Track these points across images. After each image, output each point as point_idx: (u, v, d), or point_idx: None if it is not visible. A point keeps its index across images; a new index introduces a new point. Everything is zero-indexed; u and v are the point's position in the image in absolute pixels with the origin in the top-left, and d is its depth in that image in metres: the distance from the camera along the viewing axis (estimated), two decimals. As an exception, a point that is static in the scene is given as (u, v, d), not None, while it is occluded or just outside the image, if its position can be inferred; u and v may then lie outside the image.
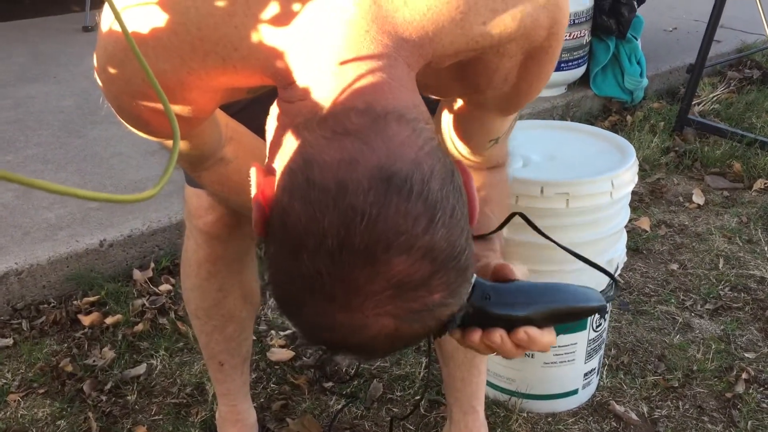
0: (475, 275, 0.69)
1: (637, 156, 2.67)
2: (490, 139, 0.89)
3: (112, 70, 0.67)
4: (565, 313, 0.74)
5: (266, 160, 0.65)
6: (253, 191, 0.59)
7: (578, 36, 2.85)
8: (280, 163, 0.60)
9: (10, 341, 1.79)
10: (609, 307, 1.50)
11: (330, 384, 1.64)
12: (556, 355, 1.49)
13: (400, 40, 0.63)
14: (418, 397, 1.56)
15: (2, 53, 3.45)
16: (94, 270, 1.97)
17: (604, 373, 1.67)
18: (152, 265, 2.03)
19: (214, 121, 0.85)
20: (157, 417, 1.57)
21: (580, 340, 1.49)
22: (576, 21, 2.81)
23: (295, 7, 0.62)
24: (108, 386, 1.64)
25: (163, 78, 0.64)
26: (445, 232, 0.56)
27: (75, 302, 1.91)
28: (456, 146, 0.91)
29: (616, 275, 1.46)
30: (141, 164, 2.32)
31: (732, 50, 3.60)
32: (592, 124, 3.00)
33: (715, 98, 3.15)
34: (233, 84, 0.68)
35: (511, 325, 0.70)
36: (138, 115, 0.72)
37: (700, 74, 2.83)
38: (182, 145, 0.90)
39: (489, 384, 1.58)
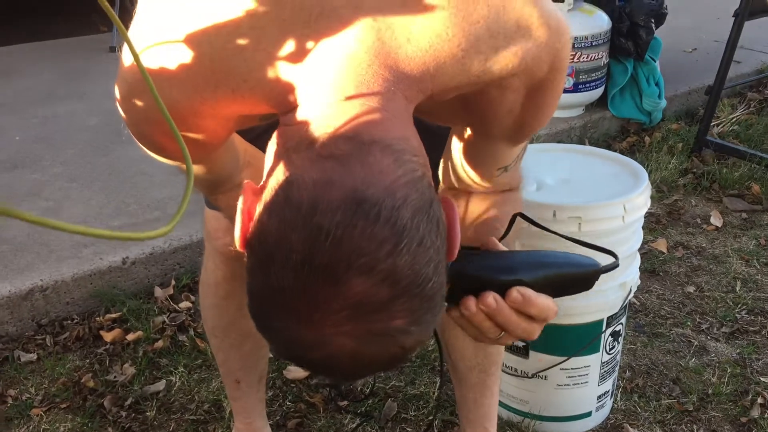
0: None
1: (654, 177, 2.69)
2: (498, 167, 0.90)
3: (132, 101, 0.70)
4: (557, 278, 0.73)
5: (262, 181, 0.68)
6: (240, 206, 0.62)
7: (596, 58, 2.87)
8: (268, 182, 0.64)
9: (34, 356, 1.83)
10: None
11: (345, 402, 1.66)
12: (569, 377, 1.50)
13: (401, 75, 0.66)
14: (432, 418, 1.58)
15: (32, 71, 3.54)
16: (116, 287, 2.02)
17: (619, 395, 1.67)
18: (173, 282, 2.07)
19: (231, 147, 0.89)
20: (175, 433, 1.60)
21: (593, 362, 1.50)
22: (594, 43, 2.83)
23: (302, 43, 0.65)
24: (128, 402, 1.68)
25: (177, 107, 0.68)
26: (410, 259, 0.57)
27: (98, 318, 1.95)
28: (466, 172, 0.93)
29: (629, 297, 1.47)
30: (165, 183, 2.37)
31: (752, 71, 3.59)
32: (609, 145, 3.01)
33: (734, 119, 3.15)
34: (244, 112, 0.71)
35: (503, 290, 0.70)
36: (156, 142, 0.75)
37: (718, 95, 2.83)
38: (199, 169, 0.93)
39: (502, 405, 1.59)
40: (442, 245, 0.62)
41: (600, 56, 2.88)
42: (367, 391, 1.69)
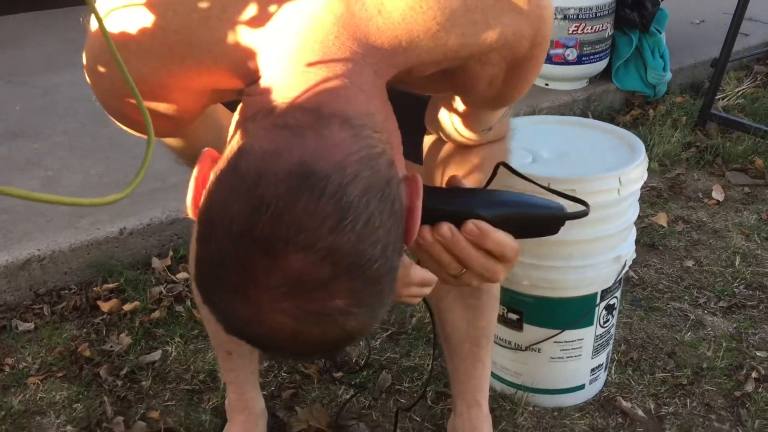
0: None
1: (657, 151, 2.67)
2: (483, 128, 0.90)
3: (99, 69, 0.69)
4: (519, 217, 0.72)
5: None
6: (194, 173, 0.61)
7: (601, 29, 2.83)
8: (225, 151, 0.62)
9: (31, 326, 1.84)
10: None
11: (340, 374, 1.67)
12: (563, 350, 1.50)
13: (370, 48, 0.64)
14: (424, 388, 1.58)
15: (32, 41, 3.52)
16: (114, 257, 2.02)
17: (613, 368, 1.67)
18: (171, 253, 2.07)
19: (211, 120, 0.87)
20: (170, 403, 1.61)
21: (586, 335, 1.49)
22: (598, 14, 2.79)
23: (269, 9, 0.63)
24: (124, 371, 1.69)
25: (144, 79, 0.66)
26: (354, 237, 0.55)
27: (95, 288, 1.96)
28: (451, 131, 0.92)
29: (624, 270, 1.46)
30: (165, 154, 2.33)
31: (760, 44, 3.54)
32: (613, 118, 2.98)
33: (740, 93, 3.11)
34: (214, 85, 0.70)
35: (461, 224, 0.69)
36: (125, 114, 0.74)
37: (724, 68, 2.79)
38: (176, 142, 0.93)
39: (496, 377, 1.59)
40: (395, 227, 0.60)
41: (604, 28, 2.84)
42: (362, 362, 1.69)
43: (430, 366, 1.21)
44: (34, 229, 2.01)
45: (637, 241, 2.12)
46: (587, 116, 2.94)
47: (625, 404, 1.58)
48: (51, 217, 2.07)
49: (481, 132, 0.92)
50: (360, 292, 0.56)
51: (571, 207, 0.78)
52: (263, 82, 0.63)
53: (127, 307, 1.89)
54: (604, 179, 1.33)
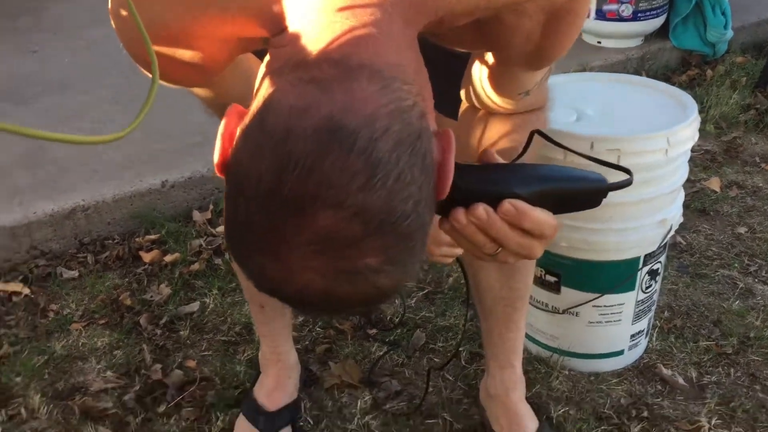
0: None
1: (713, 113, 2.57)
2: (520, 92, 0.86)
3: (122, 13, 0.68)
4: (557, 192, 0.67)
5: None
6: (220, 129, 0.59)
7: (659, -16, 2.71)
8: (251, 106, 0.60)
9: (75, 273, 1.88)
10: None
11: (374, 331, 1.66)
12: (602, 314, 1.46)
13: None
14: (455, 348, 1.57)
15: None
16: (156, 209, 2.04)
17: (654, 335, 1.62)
18: (211, 207, 2.08)
19: (240, 70, 0.85)
20: (206, 353, 1.63)
21: (627, 300, 1.45)
22: (657, -32, 2.67)
23: None
24: (163, 321, 1.71)
25: (169, 27, 0.65)
26: (384, 194, 0.53)
27: (137, 239, 1.99)
28: (487, 95, 0.88)
29: (669, 235, 1.40)
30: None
31: (831, 1, 3.35)
32: (668, 78, 2.87)
33: (806, 53, 2.95)
34: (240, 34, 0.67)
35: (496, 203, 0.65)
36: (149, 62, 0.72)
37: (790, 27, 2.65)
38: (204, 92, 0.91)
39: (532, 340, 1.57)
40: (426, 182, 0.57)
41: (663, -18, 2.72)
42: (397, 320, 1.68)
43: (463, 326, 1.19)
44: (80, 180, 2.05)
45: (687, 206, 2.07)
46: (641, 75, 2.84)
47: (666, 371, 1.53)
48: (96, 169, 2.10)
49: (517, 96, 0.88)
50: (391, 249, 0.55)
51: (613, 176, 0.73)
52: (289, 32, 0.61)
53: (167, 258, 1.91)
54: (652, 139, 1.27)
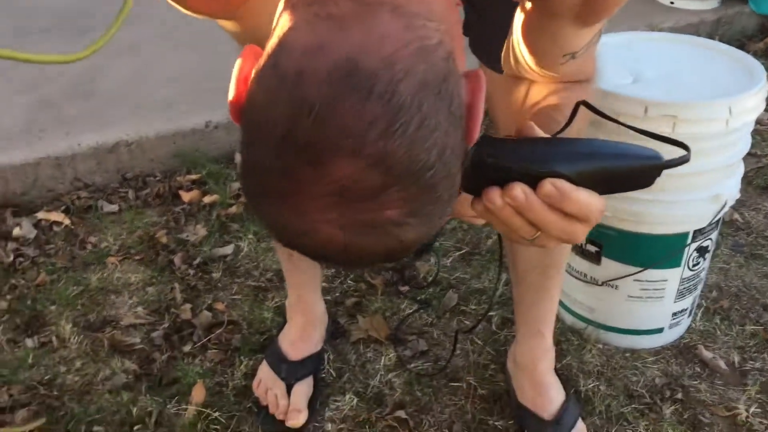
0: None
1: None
2: (565, 53, 0.78)
3: None
4: (605, 172, 0.60)
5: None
6: (235, 71, 0.55)
7: (742, -58, 2.53)
8: (267, 45, 0.55)
9: (116, 207, 1.90)
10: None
11: (406, 288, 1.63)
12: (643, 289, 1.39)
13: None
14: (485, 312, 1.52)
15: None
16: (198, 149, 2.03)
17: (699, 315, 1.55)
18: (254, 150, 2.06)
19: (268, 5, 0.81)
20: (236, 296, 1.62)
21: (671, 277, 1.38)
22: (742, -76, 2.49)
23: None
24: (196, 261, 1.71)
25: None
26: (406, 142, 0.49)
27: (178, 178, 1.99)
28: (528, 56, 0.81)
29: (723, 211, 1.32)
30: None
31: None
32: (743, 44, 2.70)
33: None
34: None
35: (536, 183, 0.58)
36: None
37: None
38: (233, 26, 0.87)
39: (567, 309, 1.51)
40: (453, 128, 0.52)
41: (747, -59, 2.54)
42: (430, 279, 1.65)
43: (495, 289, 1.15)
44: (125, 114, 2.05)
45: (749, 182, 1.96)
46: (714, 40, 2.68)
47: (707, 353, 1.46)
48: (141, 104, 2.10)
49: (561, 59, 0.80)
50: (414, 201, 0.51)
51: (668, 150, 0.66)
52: None
53: (206, 199, 1.91)
54: (712, 107, 1.18)
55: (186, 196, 1.92)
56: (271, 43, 0.54)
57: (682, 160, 0.64)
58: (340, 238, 0.51)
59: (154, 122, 2.01)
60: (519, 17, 0.80)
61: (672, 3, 2.71)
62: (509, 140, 0.62)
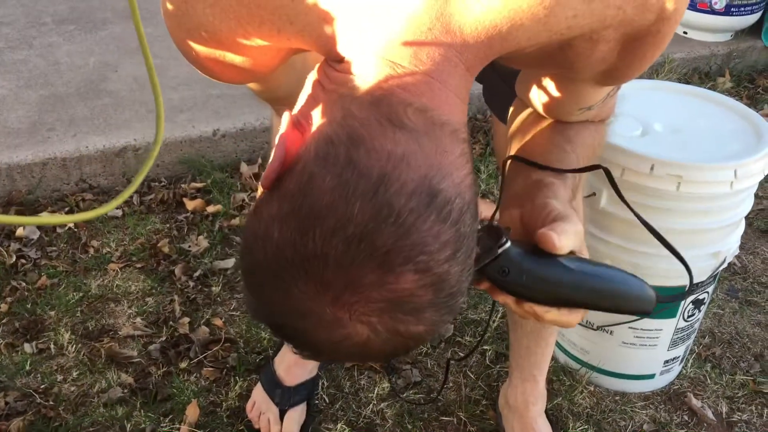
0: (508, 237, 0.63)
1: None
2: (581, 107, 0.79)
3: (169, 6, 0.65)
4: (597, 306, 0.67)
5: (296, 109, 0.61)
6: (278, 138, 0.55)
7: (759, -22, 2.53)
8: (317, 124, 0.56)
9: (119, 212, 1.91)
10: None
11: (403, 315, 1.64)
12: (637, 337, 1.41)
13: (465, 42, 0.57)
14: (477, 342, 1.54)
15: None
16: (205, 157, 2.04)
17: (690, 361, 1.56)
18: (260, 161, 2.07)
19: (292, 68, 0.82)
20: (234, 313, 1.64)
21: (666, 327, 1.39)
22: (760, -39, 2.49)
23: None
24: (197, 273, 1.73)
25: (220, 35, 0.62)
26: (459, 269, 0.52)
27: (183, 185, 1.99)
28: (542, 109, 0.82)
29: (722, 266, 1.33)
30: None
31: None
32: (753, 79, 2.71)
33: None
34: (292, 46, 0.65)
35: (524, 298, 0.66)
36: (197, 60, 0.70)
37: None
38: (254, 86, 0.88)
39: (561, 349, 1.53)
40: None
41: (764, -23, 2.54)
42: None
43: (489, 321, 1.17)
44: (134, 118, 2.05)
45: (749, 224, 1.97)
46: (723, 74, 2.69)
47: (695, 402, 1.48)
48: (151, 108, 2.10)
49: (577, 111, 0.81)
50: (440, 322, 0.55)
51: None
52: (353, 65, 0.58)
53: (210, 209, 1.92)
54: (718, 170, 1.19)
55: (190, 205, 1.93)
56: (329, 127, 0.54)
57: (679, 297, 0.71)
58: (364, 339, 0.53)
59: (163, 128, 2.01)
60: (531, 79, 0.81)
61: (685, 33, 2.71)
62: (524, 259, 0.64)
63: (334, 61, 0.60)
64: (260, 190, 0.56)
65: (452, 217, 0.52)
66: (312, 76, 0.63)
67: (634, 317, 0.70)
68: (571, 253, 0.65)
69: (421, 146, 0.52)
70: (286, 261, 0.52)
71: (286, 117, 0.57)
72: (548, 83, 0.78)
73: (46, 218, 0.39)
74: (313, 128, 0.56)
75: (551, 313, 0.65)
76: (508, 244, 0.62)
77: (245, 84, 0.83)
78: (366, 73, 0.57)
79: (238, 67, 0.68)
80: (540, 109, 0.83)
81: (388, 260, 0.50)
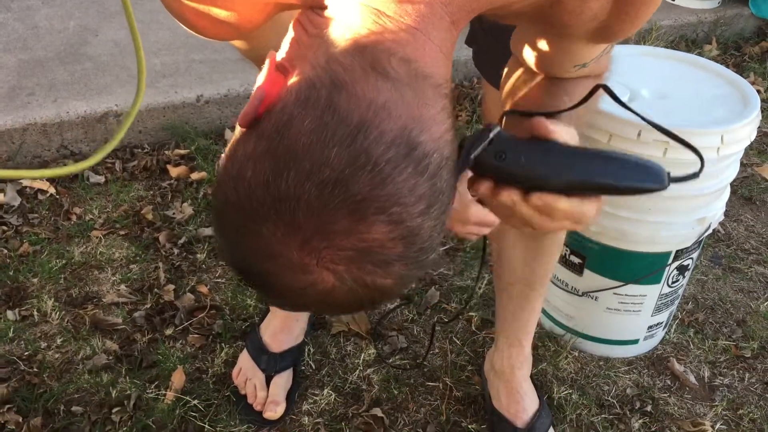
0: (498, 127, 0.61)
1: (778, 94, 2.40)
2: (575, 65, 0.78)
3: None
4: (608, 189, 0.62)
5: (279, 54, 0.60)
6: (260, 80, 0.54)
7: (747, -56, 2.51)
8: (300, 68, 0.55)
9: (102, 179, 1.88)
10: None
11: (389, 281, 1.64)
12: (622, 303, 1.42)
13: None
14: (463, 306, 1.54)
15: None
16: (188, 123, 2.01)
17: (674, 326, 1.58)
18: (244, 127, 2.05)
19: (278, 25, 0.80)
20: (220, 280, 1.63)
21: (650, 293, 1.40)
22: (749, -74, 2.47)
23: None
24: (181, 241, 1.71)
25: None
26: (432, 224, 0.52)
27: (166, 152, 1.97)
28: (536, 66, 0.81)
29: (707, 233, 1.33)
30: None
31: None
32: (739, 46, 2.70)
33: None
34: (279, 0, 0.63)
35: (531, 189, 0.62)
36: (181, 14, 0.68)
37: None
38: (239, 44, 0.86)
39: (546, 315, 1.54)
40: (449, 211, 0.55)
41: (752, -57, 2.52)
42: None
43: (475, 287, 1.17)
44: (115, 83, 2.02)
45: (733, 191, 1.98)
46: (710, 41, 2.68)
47: (678, 367, 1.50)
48: (133, 73, 2.06)
49: (572, 68, 0.80)
50: (408, 277, 0.54)
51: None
52: (336, 12, 0.56)
53: (194, 176, 1.90)
54: (704, 135, 1.19)
55: (174, 171, 1.91)
56: (313, 71, 0.53)
57: (691, 177, 0.66)
58: (329, 286, 0.52)
59: (145, 93, 1.98)
60: (524, 37, 0.79)
61: (673, 0, 2.69)
62: (519, 143, 0.62)
63: (319, 8, 0.58)
64: (237, 129, 0.55)
65: (429, 170, 0.51)
66: (296, 22, 0.61)
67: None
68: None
69: (402, 96, 0.51)
70: (257, 201, 0.51)
71: (268, 59, 0.56)
72: (542, 41, 0.77)
73: (39, 172, 0.38)
74: (296, 71, 0.55)
75: (562, 202, 0.61)
76: (499, 128, 0.60)
77: (230, 41, 0.82)
78: (351, 20, 0.55)
79: (224, 22, 0.67)
80: (534, 67, 0.82)
81: (361, 208, 0.49)
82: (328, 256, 0.50)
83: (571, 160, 0.61)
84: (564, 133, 0.62)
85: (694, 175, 0.66)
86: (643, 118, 0.72)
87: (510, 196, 0.62)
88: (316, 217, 0.49)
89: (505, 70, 0.89)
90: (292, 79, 0.54)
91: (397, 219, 0.50)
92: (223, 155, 0.55)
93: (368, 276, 0.52)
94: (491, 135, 0.59)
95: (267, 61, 0.56)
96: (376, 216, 0.49)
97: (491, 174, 0.62)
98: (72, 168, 0.46)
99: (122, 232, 1.73)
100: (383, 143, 0.49)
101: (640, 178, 0.63)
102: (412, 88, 0.52)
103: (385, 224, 0.50)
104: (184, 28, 0.73)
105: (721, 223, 1.88)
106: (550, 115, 0.69)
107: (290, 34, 0.61)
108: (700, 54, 2.60)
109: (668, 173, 0.63)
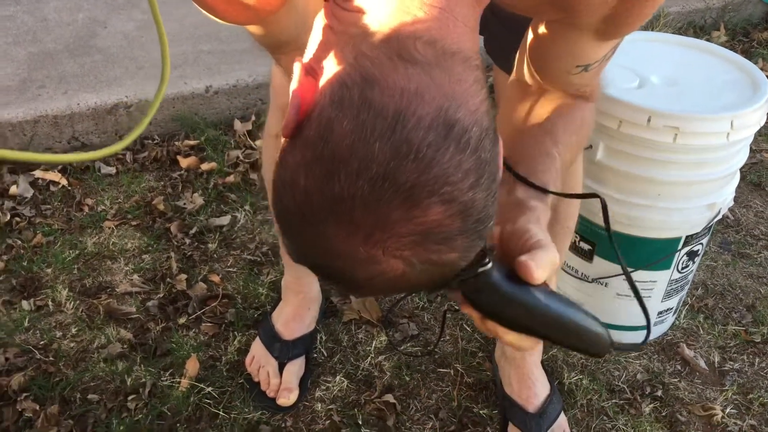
0: (491, 258, 0.63)
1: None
2: (578, 64, 0.79)
3: None
4: (550, 340, 0.69)
5: (307, 56, 0.61)
6: (293, 87, 0.56)
7: (756, -71, 2.50)
8: (330, 68, 0.56)
9: (113, 170, 1.89)
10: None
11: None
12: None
13: None
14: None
15: None
16: (198, 114, 2.02)
17: (683, 312, 1.59)
18: (253, 118, 2.06)
19: (294, 10, 0.81)
20: (231, 269, 1.64)
21: (660, 278, 1.41)
22: None
23: None
24: (193, 231, 1.73)
25: None
26: (484, 195, 0.53)
27: (176, 143, 1.98)
28: (539, 65, 0.82)
29: (716, 218, 1.34)
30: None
31: None
32: (748, 32, 2.69)
33: None
34: None
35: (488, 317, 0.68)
36: (206, 2, 0.69)
37: None
38: (256, 29, 0.87)
39: (557, 302, 1.54)
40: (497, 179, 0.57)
41: (761, -72, 2.50)
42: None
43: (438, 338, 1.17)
44: (125, 75, 2.03)
45: (742, 177, 1.98)
46: (719, 27, 2.67)
47: (688, 352, 1.51)
48: (142, 64, 2.07)
49: (574, 70, 0.81)
50: (471, 248, 0.56)
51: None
52: (359, 1, 0.57)
53: (204, 166, 1.91)
54: (714, 120, 1.19)
55: (184, 162, 1.92)
56: (343, 70, 0.55)
57: (632, 349, 0.72)
58: (400, 272, 0.54)
59: (155, 84, 1.99)
60: (535, 29, 0.80)
61: (680, -14, 2.68)
62: (497, 285, 0.64)
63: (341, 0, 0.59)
64: (283, 139, 0.57)
65: (471, 145, 0.52)
66: (320, 21, 0.62)
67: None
68: (544, 284, 0.66)
69: (433, 78, 0.53)
70: (314, 206, 0.53)
71: (297, 66, 0.57)
72: (549, 34, 0.78)
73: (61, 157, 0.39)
74: (326, 73, 0.56)
75: (511, 336, 0.66)
76: (490, 265, 0.62)
77: (248, 25, 0.82)
78: (373, 8, 0.56)
79: (243, 4, 0.68)
80: (536, 72, 0.83)
81: (413, 195, 0.51)
82: (393, 245, 0.52)
83: (534, 311, 0.65)
84: (546, 269, 0.64)
85: (635, 346, 0.72)
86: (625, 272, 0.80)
87: (471, 313, 0.67)
88: (373, 213, 0.51)
89: (511, 75, 0.91)
90: (324, 80, 0.56)
91: (449, 198, 0.52)
92: (276, 165, 0.57)
93: (434, 255, 0.54)
94: (479, 270, 0.62)
95: (296, 67, 0.57)
96: (429, 199, 0.51)
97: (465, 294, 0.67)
98: (109, 150, 0.47)
99: (134, 223, 1.75)
100: (422, 128, 0.51)
101: (584, 345, 0.69)
102: (441, 67, 0.54)
103: (439, 205, 0.52)
104: (203, 12, 0.74)
105: (731, 209, 1.88)
106: (537, 189, 0.74)
107: (316, 34, 0.62)
108: (708, 40, 2.59)
109: (612, 343, 0.71)
